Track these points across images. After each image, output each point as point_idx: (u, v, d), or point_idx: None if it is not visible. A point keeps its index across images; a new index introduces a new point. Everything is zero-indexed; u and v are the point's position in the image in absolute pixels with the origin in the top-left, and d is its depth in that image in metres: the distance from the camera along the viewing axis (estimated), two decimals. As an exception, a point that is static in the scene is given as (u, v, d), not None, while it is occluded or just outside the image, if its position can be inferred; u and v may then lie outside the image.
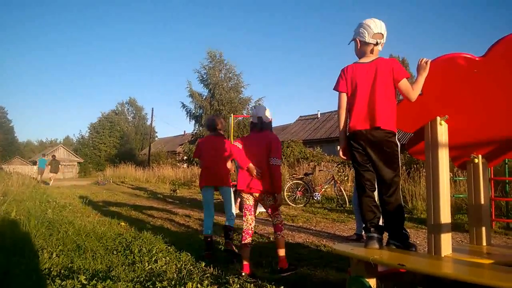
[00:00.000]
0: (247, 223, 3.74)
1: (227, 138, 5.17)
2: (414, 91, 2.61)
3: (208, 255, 4.37)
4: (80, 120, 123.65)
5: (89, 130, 48.78)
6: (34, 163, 47.42)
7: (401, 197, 2.75)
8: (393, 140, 2.71)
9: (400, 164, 2.76)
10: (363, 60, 2.83)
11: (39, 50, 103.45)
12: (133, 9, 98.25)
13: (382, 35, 2.78)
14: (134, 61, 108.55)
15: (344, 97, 2.86)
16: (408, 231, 2.87)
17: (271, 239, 5.27)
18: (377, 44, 2.77)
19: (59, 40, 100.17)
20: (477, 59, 2.34)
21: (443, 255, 2.45)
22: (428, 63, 2.55)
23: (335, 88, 2.90)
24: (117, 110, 58.13)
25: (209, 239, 4.54)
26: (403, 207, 2.74)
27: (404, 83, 2.66)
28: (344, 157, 2.94)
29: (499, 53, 2.26)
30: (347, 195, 9.88)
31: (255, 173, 3.64)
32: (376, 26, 2.75)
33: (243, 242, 3.70)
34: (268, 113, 3.88)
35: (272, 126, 3.96)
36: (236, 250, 4.35)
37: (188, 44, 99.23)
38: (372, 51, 2.80)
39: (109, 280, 3.13)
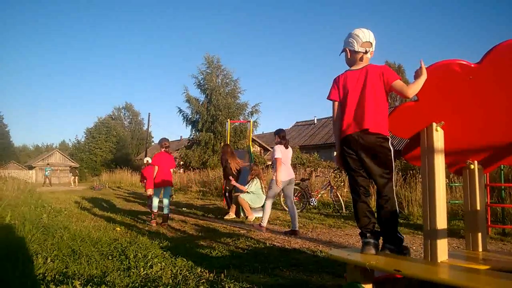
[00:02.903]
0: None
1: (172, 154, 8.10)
2: (410, 89, 2.57)
3: (154, 222, 7.23)
4: (76, 125, 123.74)
5: (85, 135, 48.60)
6: (30, 167, 47.24)
7: (396, 202, 2.76)
8: (386, 145, 2.72)
9: (394, 169, 2.78)
10: (354, 67, 2.92)
11: (36, 54, 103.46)
12: (130, 14, 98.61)
13: (371, 43, 2.87)
14: (131, 66, 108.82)
15: (337, 105, 2.95)
16: (404, 236, 2.87)
17: (267, 244, 5.26)
18: (366, 52, 2.86)
19: (55, 44, 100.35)
20: (472, 65, 2.36)
21: (439, 261, 2.45)
22: (424, 67, 2.56)
23: (328, 97, 3.00)
24: (113, 115, 58.19)
25: (155, 213, 7.45)
26: (397, 211, 2.75)
27: (397, 82, 2.70)
28: (339, 164, 3.01)
29: (494, 60, 2.27)
30: (343, 201, 9.87)
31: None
32: (364, 35, 2.84)
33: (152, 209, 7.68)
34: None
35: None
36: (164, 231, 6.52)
37: (185, 49, 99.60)
38: (362, 59, 2.89)
39: (104, 286, 3.12)
